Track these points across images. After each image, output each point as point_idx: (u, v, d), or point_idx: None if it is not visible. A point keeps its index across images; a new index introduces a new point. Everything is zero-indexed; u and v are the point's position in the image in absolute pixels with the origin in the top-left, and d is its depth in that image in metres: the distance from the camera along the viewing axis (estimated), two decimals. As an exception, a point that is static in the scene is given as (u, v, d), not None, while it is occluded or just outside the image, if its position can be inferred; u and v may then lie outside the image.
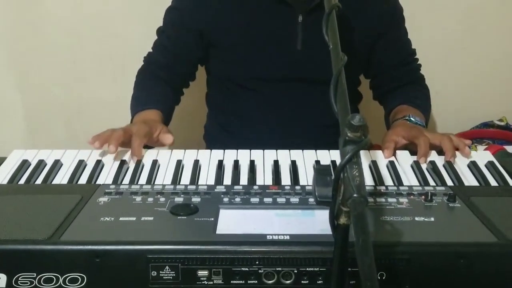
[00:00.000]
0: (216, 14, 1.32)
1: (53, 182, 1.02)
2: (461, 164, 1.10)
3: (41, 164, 1.08)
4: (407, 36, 1.44)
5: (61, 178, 1.04)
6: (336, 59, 0.77)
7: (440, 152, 1.15)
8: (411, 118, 1.28)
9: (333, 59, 0.78)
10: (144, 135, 1.14)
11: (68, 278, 0.76)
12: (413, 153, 1.16)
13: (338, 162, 1.09)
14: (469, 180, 1.04)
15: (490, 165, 1.08)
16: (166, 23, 1.40)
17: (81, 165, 1.07)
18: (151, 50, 1.44)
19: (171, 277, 0.76)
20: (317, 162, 1.10)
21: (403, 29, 1.43)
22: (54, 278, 0.76)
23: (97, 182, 1.02)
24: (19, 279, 0.76)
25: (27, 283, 0.76)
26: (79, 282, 0.76)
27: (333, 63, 0.77)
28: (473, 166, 1.08)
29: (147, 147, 1.22)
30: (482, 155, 1.13)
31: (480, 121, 1.92)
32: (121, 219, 0.83)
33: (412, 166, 1.09)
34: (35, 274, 0.76)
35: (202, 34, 1.35)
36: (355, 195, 0.57)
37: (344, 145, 0.62)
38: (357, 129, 0.61)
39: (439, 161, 1.11)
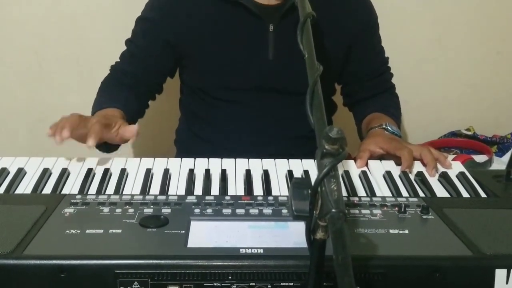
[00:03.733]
0: (186, 25, 1.29)
1: (16, 192, 0.98)
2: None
3: (3, 172, 1.03)
4: (381, 43, 1.44)
5: (25, 187, 1.00)
6: (311, 69, 0.76)
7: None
8: (388, 127, 1.27)
9: (308, 68, 0.76)
10: (104, 123, 1.07)
11: (31, 294, 0.72)
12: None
13: (310, 171, 1.10)
14: (441, 191, 1.04)
15: (461, 176, 1.08)
16: (135, 33, 1.36)
17: (45, 173, 1.03)
18: (118, 60, 1.38)
19: (140, 293, 0.73)
20: (290, 171, 1.09)
21: (378, 37, 1.43)
22: (16, 294, 0.72)
23: (62, 192, 0.98)
24: (-22, 296, 0.72)
25: (-13, 300, 0.72)
26: (43, 298, 0.72)
27: (308, 72, 0.75)
28: (444, 177, 1.08)
29: (107, 147, 1.16)
30: (454, 166, 1.13)
31: (447, 130, 1.94)
32: (87, 231, 0.80)
33: (384, 176, 1.09)
34: (-5, 290, 0.73)
35: (172, 45, 1.32)
36: (333, 210, 0.56)
37: (322, 157, 0.60)
38: (334, 141, 0.59)
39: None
